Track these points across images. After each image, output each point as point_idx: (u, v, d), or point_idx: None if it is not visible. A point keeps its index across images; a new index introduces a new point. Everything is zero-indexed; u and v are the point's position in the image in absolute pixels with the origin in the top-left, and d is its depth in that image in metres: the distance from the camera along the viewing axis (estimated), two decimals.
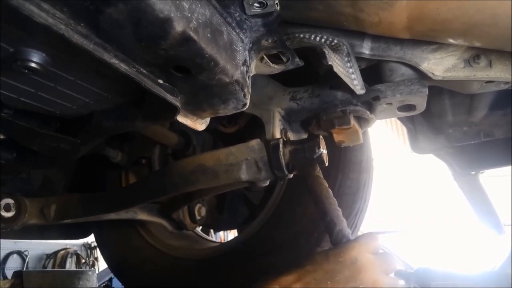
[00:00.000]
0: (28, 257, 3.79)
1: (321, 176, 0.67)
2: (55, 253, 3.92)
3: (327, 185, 0.66)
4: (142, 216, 1.05)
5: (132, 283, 1.34)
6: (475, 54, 0.68)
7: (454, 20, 0.56)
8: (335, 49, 0.68)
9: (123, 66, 0.47)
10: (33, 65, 0.46)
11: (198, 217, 1.14)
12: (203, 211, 1.17)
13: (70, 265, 3.87)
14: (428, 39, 0.65)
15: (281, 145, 0.68)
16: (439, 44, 0.68)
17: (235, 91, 0.55)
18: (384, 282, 0.54)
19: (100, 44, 0.44)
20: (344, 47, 0.69)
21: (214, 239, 1.60)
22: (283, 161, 0.67)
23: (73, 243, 3.99)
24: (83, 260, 3.98)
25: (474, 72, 0.69)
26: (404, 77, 0.74)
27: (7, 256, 3.65)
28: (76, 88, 0.56)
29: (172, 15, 0.42)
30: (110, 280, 2.37)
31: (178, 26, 0.43)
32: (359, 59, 0.72)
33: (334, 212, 0.62)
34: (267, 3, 0.51)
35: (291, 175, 0.73)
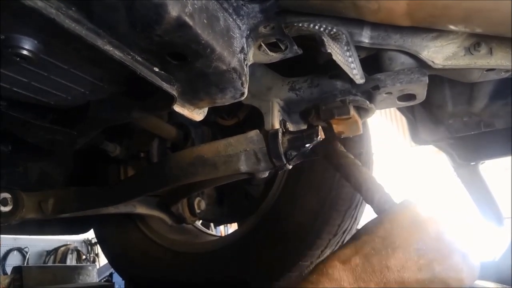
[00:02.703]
0: (28, 253, 3.80)
1: (344, 150, 0.65)
2: (56, 249, 3.93)
3: (352, 157, 0.63)
4: (141, 209, 1.05)
5: (132, 277, 1.35)
6: (476, 42, 0.67)
7: (455, 5, 0.55)
8: (334, 37, 0.67)
9: (117, 53, 0.46)
10: (25, 52, 0.45)
11: (197, 211, 1.14)
12: (203, 205, 1.17)
13: (71, 261, 3.88)
14: (428, 25, 0.64)
15: (280, 134, 0.67)
16: (439, 32, 0.67)
17: (233, 80, 0.54)
18: (447, 236, 0.51)
19: (93, 30, 0.43)
20: (343, 35, 0.67)
21: (214, 233, 1.60)
22: (281, 150, 0.67)
23: (74, 240, 4.01)
24: (84, 256, 3.99)
25: (474, 60, 0.68)
26: (404, 66, 0.73)
27: (7, 253, 3.66)
28: (70, 78, 0.55)
29: None
30: (111, 275, 2.38)
31: (173, 11, 0.42)
32: (359, 48, 0.70)
33: (369, 180, 0.59)
34: None
35: (290, 166, 0.72)
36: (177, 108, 0.57)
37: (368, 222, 0.56)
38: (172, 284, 1.20)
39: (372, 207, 0.58)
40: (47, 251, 3.94)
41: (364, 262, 0.50)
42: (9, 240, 3.62)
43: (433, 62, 0.69)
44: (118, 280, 1.91)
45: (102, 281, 2.33)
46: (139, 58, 0.49)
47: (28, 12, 0.38)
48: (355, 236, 0.55)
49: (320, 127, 0.69)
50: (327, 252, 1.07)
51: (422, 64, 0.71)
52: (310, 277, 0.51)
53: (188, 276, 1.18)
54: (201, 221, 1.44)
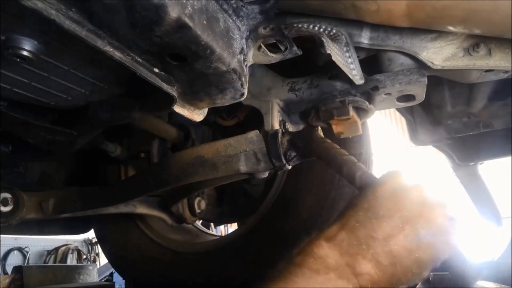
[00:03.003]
0: (29, 253, 3.81)
1: (322, 136, 0.65)
2: (56, 249, 3.94)
3: (330, 141, 0.63)
4: (142, 209, 1.05)
5: (132, 277, 1.35)
6: (475, 43, 0.67)
7: (454, 6, 0.55)
8: (334, 38, 0.67)
9: (117, 54, 0.46)
10: (25, 53, 0.45)
11: (198, 211, 1.14)
12: (203, 205, 1.17)
13: (71, 261, 3.88)
14: (428, 27, 0.64)
15: (279, 134, 0.68)
16: (439, 33, 0.67)
17: (232, 80, 0.54)
18: (431, 201, 0.50)
19: (93, 31, 0.43)
20: (343, 36, 0.68)
21: (214, 233, 1.60)
22: (281, 150, 0.67)
23: (74, 239, 4.01)
24: (84, 256, 4.00)
25: (473, 60, 0.68)
26: (403, 67, 0.73)
27: (7, 253, 3.66)
28: (71, 78, 0.55)
29: (166, 0, 0.41)
30: (111, 274, 2.39)
31: (173, 12, 0.42)
32: (358, 49, 0.71)
33: (349, 161, 0.58)
34: None
35: (290, 166, 0.72)
36: (177, 108, 0.58)
37: (352, 198, 0.55)
38: (172, 283, 1.20)
39: (355, 186, 0.58)
40: (47, 251, 3.95)
41: (349, 236, 0.49)
42: (10, 240, 3.62)
43: (432, 63, 0.69)
44: (118, 280, 1.91)
45: (103, 280, 2.33)
46: (139, 59, 0.49)
47: (28, 13, 0.39)
48: (340, 213, 0.54)
49: (319, 128, 0.69)
50: None
51: (421, 65, 0.71)
52: (295, 259, 0.50)
53: (188, 275, 1.18)
54: (201, 221, 1.44)
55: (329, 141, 0.63)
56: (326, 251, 0.49)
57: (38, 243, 3.89)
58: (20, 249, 3.76)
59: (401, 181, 0.53)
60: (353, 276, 0.48)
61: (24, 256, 3.77)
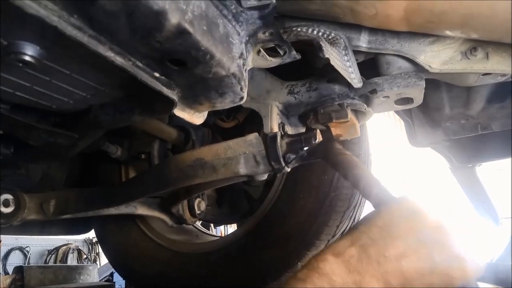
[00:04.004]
0: (29, 253, 3.82)
1: (342, 148, 0.64)
2: (57, 248, 3.95)
3: (349, 153, 0.63)
4: (142, 210, 1.06)
5: (133, 277, 1.36)
6: (472, 47, 0.68)
7: (451, 11, 0.56)
8: (332, 42, 0.68)
9: (118, 59, 0.47)
10: (27, 58, 0.46)
11: (198, 212, 1.15)
12: (203, 206, 1.18)
13: (72, 260, 3.90)
14: (425, 31, 0.65)
15: (278, 137, 0.68)
16: (436, 37, 0.67)
17: (232, 84, 0.55)
18: (448, 227, 0.48)
19: (94, 37, 0.44)
20: (341, 40, 0.68)
21: (214, 233, 1.61)
22: (280, 153, 0.68)
23: (75, 239, 4.02)
24: (85, 256, 4.01)
25: (471, 64, 0.69)
26: (401, 70, 0.74)
27: (8, 252, 3.68)
28: (72, 82, 0.56)
29: (166, 7, 0.42)
30: (112, 274, 2.39)
31: (173, 18, 0.43)
32: (356, 52, 0.71)
33: (367, 176, 0.58)
34: None
35: (289, 169, 0.73)
36: (178, 112, 0.58)
37: (367, 214, 0.53)
38: (172, 283, 1.21)
39: (370, 201, 0.57)
40: (48, 251, 3.96)
41: (360, 253, 0.47)
42: (11, 239, 3.63)
43: (430, 66, 0.70)
44: (118, 280, 1.92)
45: (103, 280, 2.34)
46: (139, 64, 0.50)
47: (31, 20, 0.39)
48: (352, 228, 0.52)
49: (318, 130, 0.70)
50: None
51: (419, 68, 0.72)
52: (299, 273, 0.47)
53: (188, 276, 1.19)
54: (201, 221, 1.45)
55: (348, 153, 0.63)
56: (333, 267, 0.47)
57: (39, 243, 3.91)
58: (21, 249, 3.77)
59: (419, 203, 0.51)
60: None
61: (25, 255, 3.78)
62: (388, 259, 0.46)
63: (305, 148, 0.67)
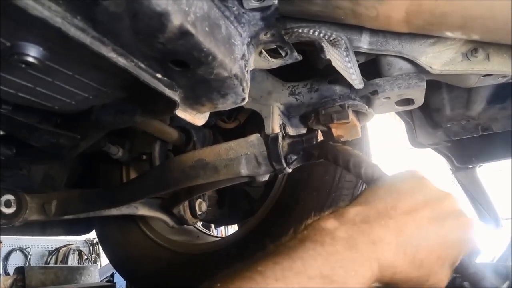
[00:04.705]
0: (30, 253, 3.82)
1: (336, 144, 0.64)
2: (57, 249, 3.95)
3: (349, 148, 0.62)
4: (143, 211, 1.06)
5: (133, 278, 1.36)
6: (473, 48, 0.68)
7: (452, 13, 0.56)
8: (334, 43, 0.68)
9: (121, 60, 0.47)
10: (30, 59, 0.46)
11: (199, 212, 1.15)
12: (204, 206, 1.18)
13: (72, 261, 3.89)
14: (426, 32, 0.65)
15: (280, 138, 0.69)
16: (437, 38, 0.68)
17: (234, 86, 0.55)
18: (448, 190, 0.45)
19: (97, 38, 0.44)
20: (343, 41, 0.69)
21: (215, 234, 1.61)
22: (281, 154, 0.68)
23: (75, 240, 4.02)
24: (85, 256, 4.01)
25: (472, 65, 0.69)
26: (402, 71, 0.74)
27: (9, 253, 3.68)
28: (75, 83, 0.56)
29: (169, 8, 0.42)
30: (112, 275, 2.39)
31: (176, 20, 0.43)
32: (358, 53, 0.72)
33: (365, 161, 0.56)
34: None
35: (290, 170, 0.73)
36: (179, 113, 0.59)
37: (365, 189, 0.49)
38: (173, 284, 1.21)
39: (361, 179, 0.55)
40: (48, 251, 3.96)
41: (366, 209, 0.42)
42: (11, 240, 3.63)
43: (431, 67, 0.70)
44: (119, 281, 1.92)
45: (104, 281, 2.34)
46: (142, 65, 0.50)
47: (34, 21, 0.40)
48: (355, 197, 0.47)
49: (319, 131, 0.70)
50: None
51: (420, 70, 0.72)
52: (298, 234, 0.41)
53: (189, 276, 1.19)
54: (201, 222, 1.45)
55: (348, 148, 0.62)
56: (335, 224, 0.40)
57: (40, 244, 3.91)
58: (21, 249, 3.77)
59: (422, 173, 0.49)
60: (369, 245, 0.38)
61: (26, 256, 3.78)
62: (400, 211, 0.41)
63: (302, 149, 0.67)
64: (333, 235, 0.39)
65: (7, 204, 0.89)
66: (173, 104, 0.55)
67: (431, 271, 0.41)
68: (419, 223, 0.42)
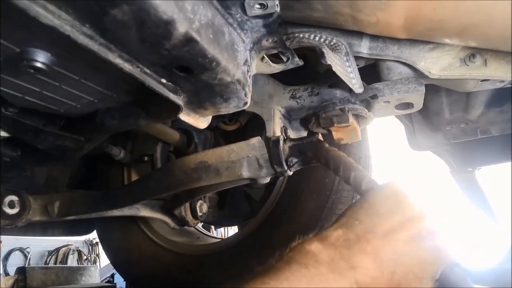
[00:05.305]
0: (30, 254, 3.82)
1: (331, 148, 0.66)
2: (57, 249, 3.95)
3: (340, 152, 0.65)
4: (145, 212, 1.07)
5: (134, 278, 1.37)
6: (471, 54, 0.69)
7: (450, 20, 0.57)
8: (334, 48, 0.69)
9: (127, 66, 0.48)
10: (38, 65, 0.47)
11: (199, 214, 1.16)
12: (205, 208, 1.19)
13: (72, 261, 3.89)
14: (425, 38, 0.66)
15: (281, 141, 0.70)
16: (436, 44, 0.69)
17: (237, 90, 0.56)
18: (425, 208, 0.48)
19: (104, 45, 0.45)
20: (343, 46, 0.70)
21: (215, 235, 1.62)
22: (282, 156, 0.69)
23: (75, 240, 4.02)
24: (85, 257, 4.01)
25: (469, 71, 0.70)
26: (401, 76, 0.75)
27: (9, 253, 3.68)
28: (81, 87, 0.57)
29: (175, 16, 0.43)
30: (112, 276, 2.40)
31: (181, 27, 0.44)
32: (358, 58, 0.73)
33: (357, 169, 0.59)
34: (267, 4, 0.52)
35: (291, 172, 0.74)
36: (183, 116, 0.60)
37: (352, 203, 0.54)
38: (174, 285, 1.22)
39: (359, 192, 0.58)
40: (48, 251, 3.96)
41: (346, 233, 0.46)
42: (11, 240, 3.63)
43: (429, 72, 0.71)
44: (119, 281, 1.93)
45: (104, 282, 2.34)
46: (147, 71, 0.51)
47: (44, 29, 0.41)
48: (338, 217, 0.52)
49: (320, 135, 0.72)
50: None
51: (419, 74, 0.74)
52: (284, 256, 0.46)
53: (189, 277, 1.20)
54: (202, 223, 1.46)
55: (339, 152, 0.65)
56: (319, 247, 0.45)
57: (39, 244, 3.90)
58: (21, 250, 3.77)
59: (402, 187, 0.52)
60: (349, 270, 0.43)
61: (25, 256, 3.78)
62: (377, 235, 0.46)
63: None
64: (316, 258, 0.44)
65: (11, 204, 0.90)
66: (177, 108, 0.57)
67: (408, 278, 0.45)
68: (395, 246, 0.46)
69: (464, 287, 0.46)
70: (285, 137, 0.75)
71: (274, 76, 0.82)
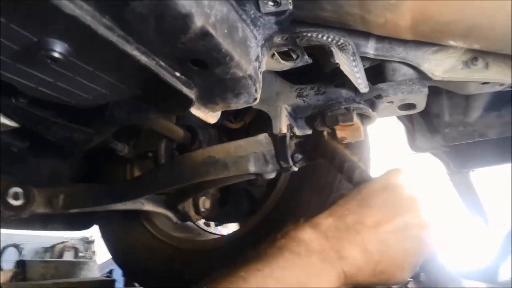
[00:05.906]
0: (24, 250, 3.77)
1: (329, 140, 0.68)
2: (53, 246, 3.90)
3: (337, 144, 0.67)
4: (149, 207, 1.08)
5: (135, 273, 1.37)
6: (473, 57, 0.72)
7: (456, 21, 0.60)
8: (342, 48, 0.71)
9: (143, 58, 0.49)
10: (56, 55, 0.48)
11: (202, 209, 1.17)
12: (208, 204, 1.20)
13: (68, 258, 3.85)
14: (430, 40, 0.68)
15: (287, 138, 0.71)
16: (440, 46, 0.71)
17: (248, 86, 0.58)
18: (423, 200, 0.51)
19: (123, 37, 0.46)
20: (350, 46, 0.72)
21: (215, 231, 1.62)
22: (289, 152, 0.70)
23: (71, 237, 3.98)
24: (81, 254, 3.97)
25: (471, 73, 0.72)
26: (405, 77, 0.77)
27: (3, 249, 3.63)
28: (95, 79, 0.58)
29: (193, 10, 0.45)
30: (110, 272, 2.39)
31: (198, 21, 0.46)
32: (364, 58, 0.75)
33: (351, 160, 0.61)
34: (280, 2, 0.53)
35: (296, 168, 0.76)
36: (194, 110, 0.61)
37: (346, 191, 0.56)
38: (175, 280, 1.22)
39: (351, 182, 0.59)
40: (44, 248, 3.91)
41: (337, 222, 0.48)
42: (5, 236, 3.59)
43: (433, 74, 0.73)
44: (118, 278, 1.92)
45: (104, 277, 2.33)
46: (162, 63, 0.52)
47: (65, 19, 0.42)
48: (329, 204, 0.54)
49: (325, 132, 0.73)
50: None
51: (422, 76, 0.76)
52: (277, 242, 0.48)
53: (190, 272, 1.21)
54: (203, 220, 1.47)
55: (336, 144, 0.67)
56: (310, 235, 0.47)
57: (35, 240, 3.86)
58: (16, 246, 3.72)
59: (397, 178, 0.55)
60: (338, 260, 0.46)
61: (20, 252, 3.73)
62: (366, 226, 0.48)
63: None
64: (308, 247, 0.47)
65: (15, 196, 0.90)
66: (189, 102, 0.58)
67: (391, 276, 0.49)
68: (382, 237, 0.48)
69: (442, 276, 0.49)
70: (291, 135, 0.76)
71: (280, 74, 0.83)
